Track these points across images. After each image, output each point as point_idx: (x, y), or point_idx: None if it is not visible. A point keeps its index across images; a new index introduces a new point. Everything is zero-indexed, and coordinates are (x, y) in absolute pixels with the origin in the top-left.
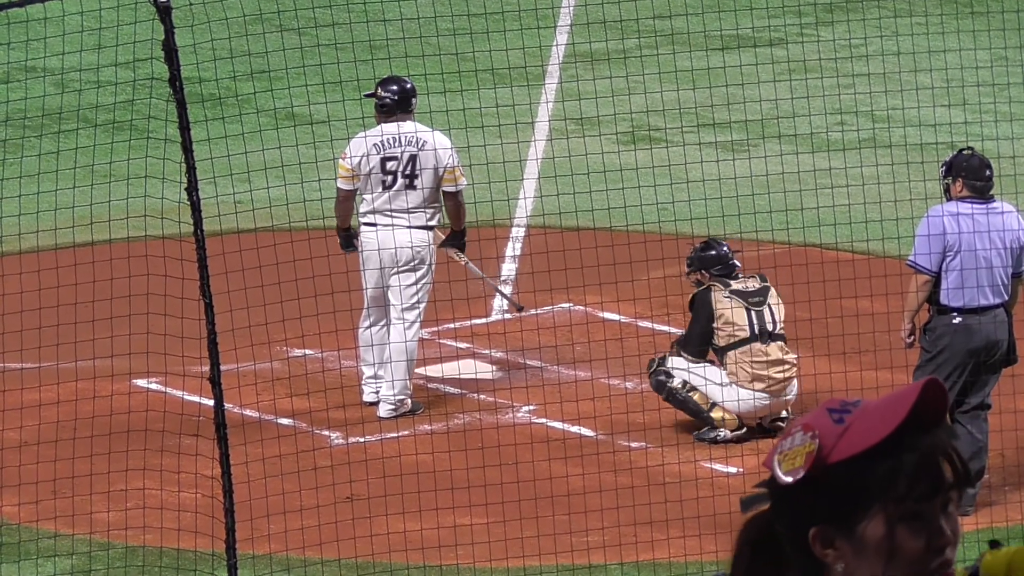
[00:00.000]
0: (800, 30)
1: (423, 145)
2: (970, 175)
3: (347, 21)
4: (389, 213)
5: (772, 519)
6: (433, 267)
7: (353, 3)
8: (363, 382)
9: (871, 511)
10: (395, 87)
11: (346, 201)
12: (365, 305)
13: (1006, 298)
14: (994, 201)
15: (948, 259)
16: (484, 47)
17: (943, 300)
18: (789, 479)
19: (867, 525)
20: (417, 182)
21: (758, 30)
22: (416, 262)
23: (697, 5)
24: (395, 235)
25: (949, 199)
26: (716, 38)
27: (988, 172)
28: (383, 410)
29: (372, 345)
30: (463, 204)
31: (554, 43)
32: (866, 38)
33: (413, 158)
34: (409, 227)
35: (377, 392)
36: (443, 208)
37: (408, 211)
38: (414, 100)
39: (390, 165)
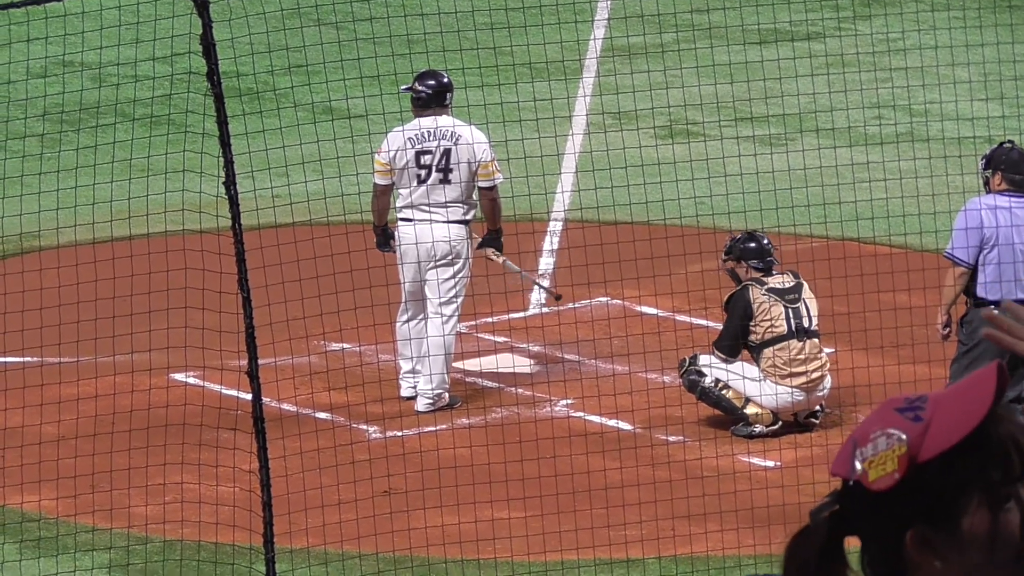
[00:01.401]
0: (838, 24)
1: (458, 139)
2: (1009, 168)
3: (385, 15)
4: (426, 208)
5: (839, 527)
6: (470, 261)
7: None
8: (401, 376)
9: (971, 503)
10: (431, 81)
11: (382, 196)
12: (403, 299)
13: None
14: None
15: (985, 252)
16: (522, 41)
17: (980, 293)
18: (883, 485)
19: (970, 518)
20: (452, 176)
21: (795, 24)
22: (453, 256)
23: None
24: (432, 229)
25: (988, 192)
26: (753, 32)
27: None
28: (421, 404)
29: (410, 339)
30: (499, 201)
31: (591, 37)
32: (903, 32)
33: (448, 152)
34: (446, 222)
35: (415, 386)
36: (479, 205)
37: (445, 205)
38: (450, 94)
39: (424, 159)
